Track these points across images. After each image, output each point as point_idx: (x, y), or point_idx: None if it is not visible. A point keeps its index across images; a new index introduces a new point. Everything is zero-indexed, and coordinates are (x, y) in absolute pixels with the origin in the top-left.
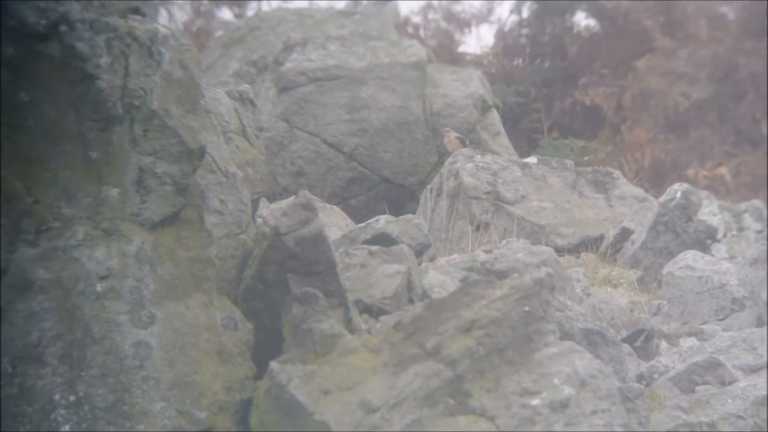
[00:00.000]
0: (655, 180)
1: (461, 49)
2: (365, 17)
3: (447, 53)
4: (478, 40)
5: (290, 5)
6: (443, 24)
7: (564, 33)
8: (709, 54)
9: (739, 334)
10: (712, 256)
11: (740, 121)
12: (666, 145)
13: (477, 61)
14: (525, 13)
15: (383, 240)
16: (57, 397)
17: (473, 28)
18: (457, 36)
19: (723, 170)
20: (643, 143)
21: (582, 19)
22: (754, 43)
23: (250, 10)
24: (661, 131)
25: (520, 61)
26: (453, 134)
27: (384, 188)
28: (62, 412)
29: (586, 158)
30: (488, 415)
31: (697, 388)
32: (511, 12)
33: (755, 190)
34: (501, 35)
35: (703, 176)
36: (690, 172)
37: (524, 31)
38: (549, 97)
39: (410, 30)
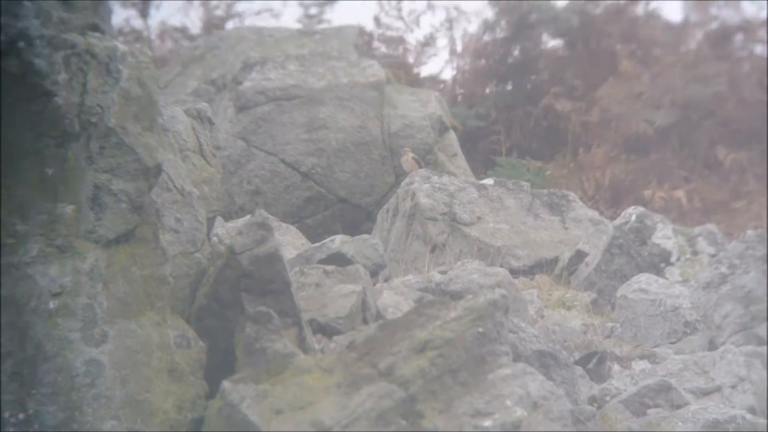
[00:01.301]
0: (612, 201)
1: (420, 70)
2: (325, 37)
3: (405, 75)
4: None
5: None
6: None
7: (530, 55)
8: (672, 79)
9: (691, 358)
10: (666, 279)
11: (698, 147)
12: (626, 165)
13: (437, 84)
14: (493, 35)
15: (338, 260)
16: (6, 414)
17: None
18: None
19: (679, 193)
20: (602, 164)
21: (549, 41)
22: (716, 68)
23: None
24: (622, 152)
25: (483, 83)
26: (410, 154)
27: (340, 208)
28: (11, 430)
29: (548, 173)
30: None
31: (649, 411)
32: (479, 34)
33: (707, 214)
34: (464, 56)
35: (660, 197)
36: (647, 193)
37: (490, 53)
38: (509, 119)
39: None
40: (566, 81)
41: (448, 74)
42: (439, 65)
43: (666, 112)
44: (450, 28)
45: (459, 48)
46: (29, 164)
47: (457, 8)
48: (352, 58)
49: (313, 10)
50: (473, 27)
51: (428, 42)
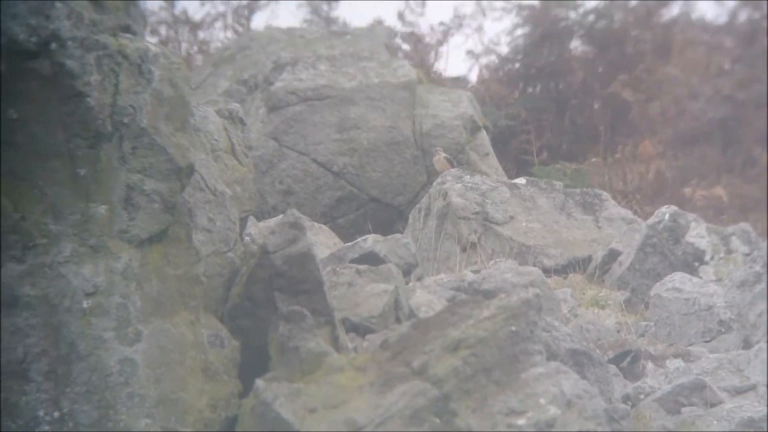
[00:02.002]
0: (652, 197)
1: (443, 70)
2: (356, 38)
3: (426, 75)
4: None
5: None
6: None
7: (559, 58)
8: (715, 79)
9: (726, 356)
10: (700, 278)
11: (743, 145)
12: (671, 161)
13: (460, 85)
14: (521, 40)
15: (371, 259)
16: (41, 413)
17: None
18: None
19: (720, 190)
20: (647, 158)
21: (578, 45)
22: (761, 68)
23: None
24: (668, 147)
25: (513, 86)
26: (442, 154)
27: (372, 207)
28: (46, 428)
29: (586, 164)
30: None
31: (683, 409)
32: (508, 41)
33: (746, 213)
34: (494, 60)
35: (701, 195)
36: (687, 190)
37: (519, 57)
38: (539, 120)
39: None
40: (596, 81)
41: (471, 74)
42: (461, 65)
43: (709, 105)
44: (479, 30)
45: (483, 50)
46: (61, 165)
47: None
48: (383, 59)
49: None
50: (494, 26)
51: (446, 40)
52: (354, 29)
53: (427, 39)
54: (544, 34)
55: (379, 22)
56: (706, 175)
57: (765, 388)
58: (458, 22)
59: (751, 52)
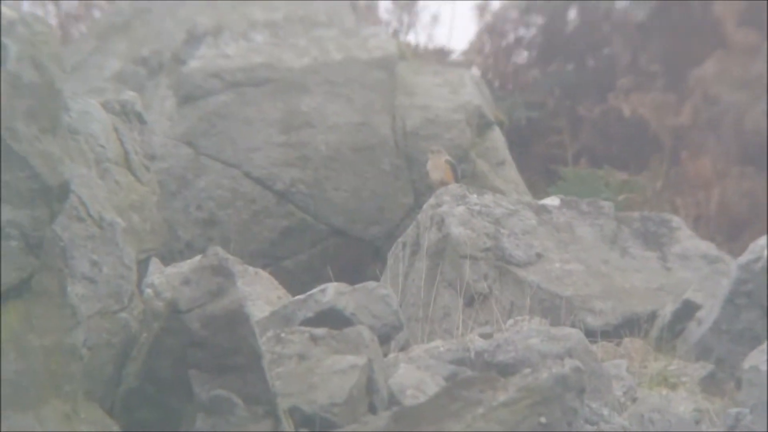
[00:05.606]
0: (728, 231)
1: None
2: None
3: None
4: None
5: None
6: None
7: (597, 22)
8: None
9: None
10: None
11: None
12: (742, 182)
13: (464, 62)
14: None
15: (332, 319)
16: None
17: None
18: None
19: None
20: (709, 179)
21: (622, 7)
22: None
23: None
24: (736, 162)
25: (528, 61)
26: (444, 156)
27: (334, 243)
28: None
29: (621, 197)
30: None
31: None
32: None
33: None
34: (499, 25)
35: None
36: None
37: (534, 19)
38: (573, 112)
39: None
40: (650, 59)
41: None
42: (458, 38)
43: None
44: None
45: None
46: None
47: None
48: (348, 25)
49: None
50: None
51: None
52: None
53: None
54: None
55: None
56: None
57: None
58: None
59: None
